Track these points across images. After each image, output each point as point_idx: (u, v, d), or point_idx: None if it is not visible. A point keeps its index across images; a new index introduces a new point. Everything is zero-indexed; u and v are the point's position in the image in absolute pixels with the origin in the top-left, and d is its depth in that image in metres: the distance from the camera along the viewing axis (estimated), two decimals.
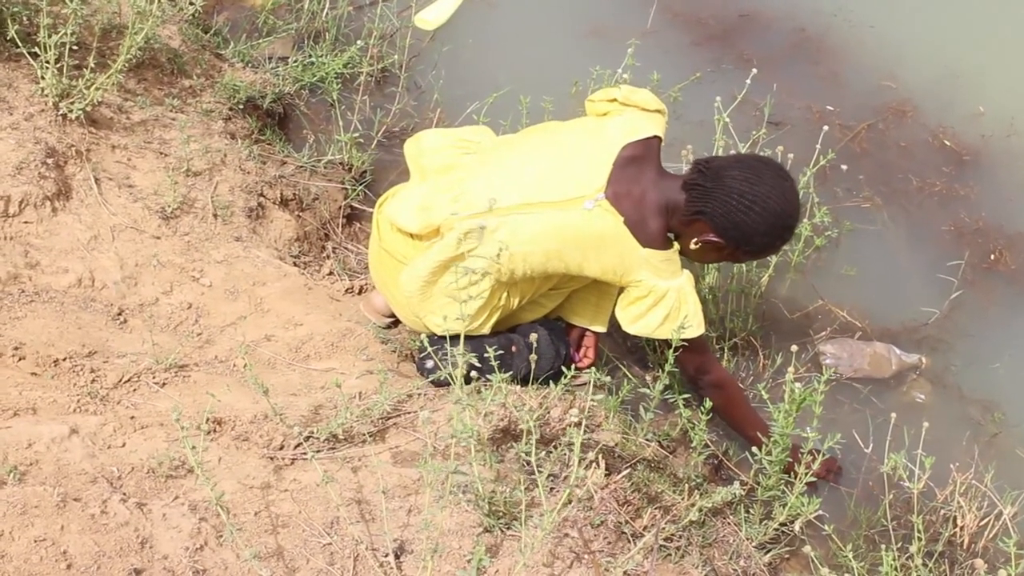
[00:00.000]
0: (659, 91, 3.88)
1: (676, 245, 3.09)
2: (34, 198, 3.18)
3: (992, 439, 3.62)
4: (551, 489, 2.78)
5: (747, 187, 2.96)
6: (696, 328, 3.11)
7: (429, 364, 3.18)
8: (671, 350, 3.00)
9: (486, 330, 3.21)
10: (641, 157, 3.05)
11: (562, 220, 3.02)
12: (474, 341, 3.13)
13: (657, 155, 3.10)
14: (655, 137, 3.09)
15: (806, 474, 2.92)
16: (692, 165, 3.06)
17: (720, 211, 2.97)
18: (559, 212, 3.02)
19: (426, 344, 2.86)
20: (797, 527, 2.99)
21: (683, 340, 3.03)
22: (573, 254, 3.06)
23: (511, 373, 2.92)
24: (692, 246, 3.07)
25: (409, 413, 3.01)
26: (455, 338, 2.74)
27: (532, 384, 3.05)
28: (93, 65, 3.47)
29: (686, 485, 3.06)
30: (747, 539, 3.08)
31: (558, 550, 2.67)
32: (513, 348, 3.23)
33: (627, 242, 3.01)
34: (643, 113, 3.14)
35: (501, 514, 2.70)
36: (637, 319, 3.14)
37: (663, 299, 3.07)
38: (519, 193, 3.05)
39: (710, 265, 3.66)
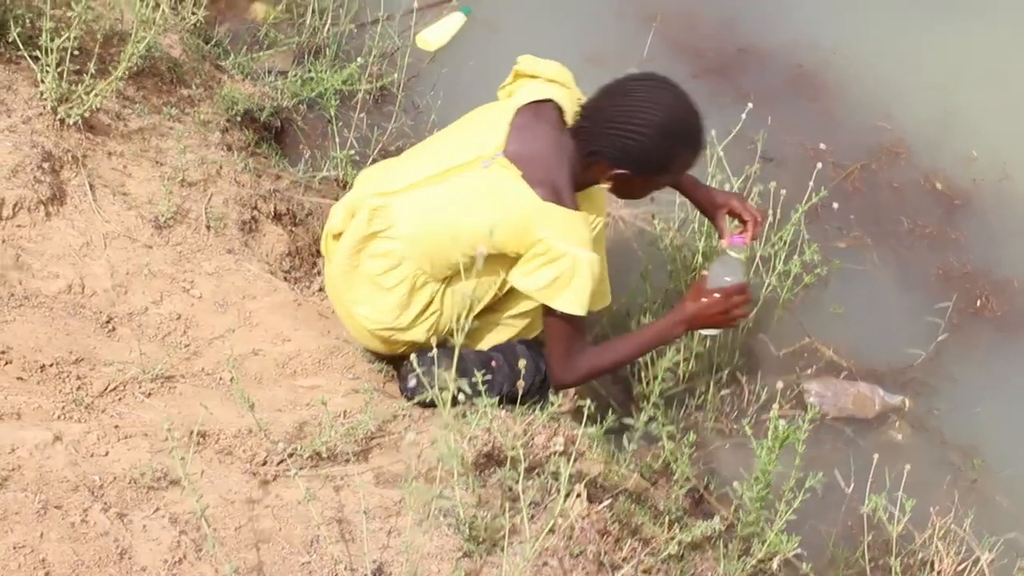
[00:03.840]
0: None
1: (586, 215, 3.05)
2: (28, 202, 3.17)
3: (972, 484, 3.64)
4: (532, 516, 2.78)
5: (618, 111, 2.99)
6: (578, 306, 3.03)
7: (412, 383, 3.18)
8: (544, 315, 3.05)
9: (422, 337, 3.21)
10: (539, 116, 3.10)
11: (461, 182, 3.07)
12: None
13: (557, 115, 3.12)
14: (551, 100, 3.12)
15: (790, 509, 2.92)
16: (577, 111, 3.10)
17: (607, 144, 3.00)
18: (459, 176, 3.07)
19: (413, 363, 2.81)
20: (775, 565, 2.99)
21: (561, 310, 3.02)
22: (476, 217, 3.04)
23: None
24: (606, 185, 3.10)
25: (393, 434, 3.01)
26: (441, 356, 2.72)
27: (509, 399, 3.03)
28: (93, 71, 3.47)
29: (666, 518, 3.06)
30: (725, 575, 3.08)
31: None
32: (492, 363, 3.22)
33: (525, 194, 3.01)
34: (545, 82, 3.20)
35: (481, 539, 2.70)
36: (526, 274, 3.08)
37: (557, 260, 3.01)
38: (428, 167, 3.12)
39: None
